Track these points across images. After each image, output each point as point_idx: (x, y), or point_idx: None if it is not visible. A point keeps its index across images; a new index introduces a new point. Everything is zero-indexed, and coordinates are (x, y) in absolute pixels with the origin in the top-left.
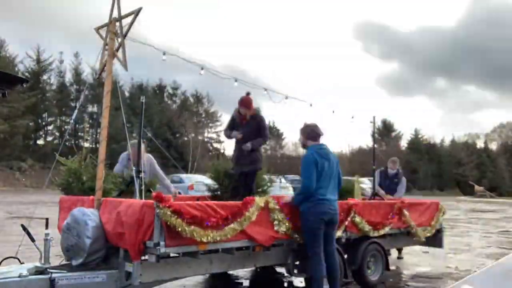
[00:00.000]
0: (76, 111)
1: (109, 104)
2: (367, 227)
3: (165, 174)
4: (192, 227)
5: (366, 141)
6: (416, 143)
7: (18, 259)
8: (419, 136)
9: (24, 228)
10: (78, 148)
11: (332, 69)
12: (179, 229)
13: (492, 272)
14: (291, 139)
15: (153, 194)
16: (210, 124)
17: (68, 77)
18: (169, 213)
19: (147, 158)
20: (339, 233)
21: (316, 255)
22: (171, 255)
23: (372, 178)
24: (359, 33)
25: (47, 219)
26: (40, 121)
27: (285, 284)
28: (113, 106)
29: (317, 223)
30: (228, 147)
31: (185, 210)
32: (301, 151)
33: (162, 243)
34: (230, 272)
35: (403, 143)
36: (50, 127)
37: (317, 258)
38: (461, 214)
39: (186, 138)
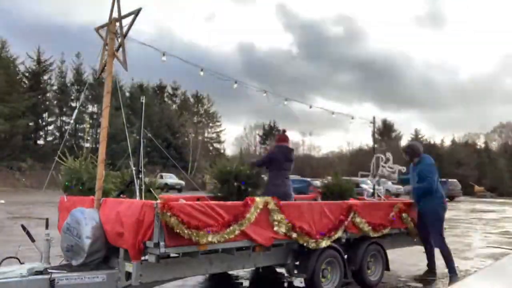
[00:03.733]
0: (76, 111)
1: (109, 104)
2: (367, 227)
3: (165, 174)
4: (192, 229)
5: (366, 141)
6: None
7: (18, 259)
8: (419, 136)
9: (24, 228)
10: (78, 148)
11: None
12: (179, 231)
13: (492, 272)
14: (291, 139)
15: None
16: (210, 124)
17: (69, 77)
18: (169, 214)
19: None
20: (339, 233)
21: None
22: (171, 255)
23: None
24: None
25: (47, 219)
26: (40, 121)
27: (285, 284)
28: (113, 106)
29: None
30: (228, 147)
31: (185, 211)
32: (301, 151)
33: (162, 243)
34: (230, 272)
35: (403, 143)
36: (50, 127)
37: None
38: (461, 214)
39: (186, 138)
